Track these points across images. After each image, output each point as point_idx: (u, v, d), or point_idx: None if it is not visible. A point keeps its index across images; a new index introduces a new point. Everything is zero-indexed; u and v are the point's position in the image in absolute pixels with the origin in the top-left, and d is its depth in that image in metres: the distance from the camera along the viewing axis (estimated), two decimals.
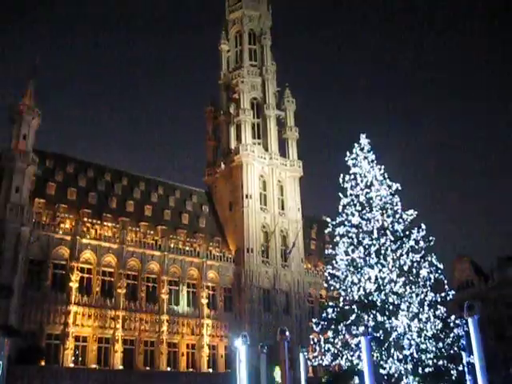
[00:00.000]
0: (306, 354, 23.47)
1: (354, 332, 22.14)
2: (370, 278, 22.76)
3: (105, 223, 49.16)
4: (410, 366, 21.04)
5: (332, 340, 23.10)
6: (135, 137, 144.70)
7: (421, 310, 22.20)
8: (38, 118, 47.76)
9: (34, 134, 47.52)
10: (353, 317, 22.42)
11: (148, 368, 46.66)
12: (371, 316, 22.06)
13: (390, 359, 21.23)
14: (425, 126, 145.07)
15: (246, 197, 56.81)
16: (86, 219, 48.21)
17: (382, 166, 25.28)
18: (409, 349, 21.39)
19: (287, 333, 18.55)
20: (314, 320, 24.34)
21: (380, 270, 22.79)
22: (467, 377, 20.79)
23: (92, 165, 55.67)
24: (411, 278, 22.84)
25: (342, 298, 23.58)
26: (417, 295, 22.40)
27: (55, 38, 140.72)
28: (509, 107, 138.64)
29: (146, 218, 53.32)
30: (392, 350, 21.39)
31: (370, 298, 22.55)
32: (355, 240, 23.71)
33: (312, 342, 24.32)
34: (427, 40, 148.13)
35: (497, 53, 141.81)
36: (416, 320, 22.00)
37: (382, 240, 23.34)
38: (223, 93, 65.00)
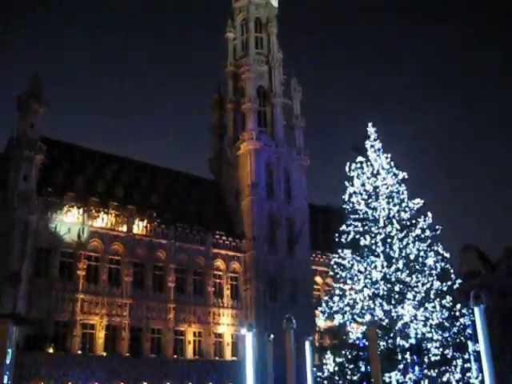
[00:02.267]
0: (312, 342, 23.50)
1: (360, 320, 22.18)
2: (376, 267, 22.75)
3: (112, 211, 49.30)
4: (415, 355, 21.06)
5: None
6: (142, 125, 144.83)
7: (427, 299, 22.17)
8: (45, 107, 47.86)
9: (40, 122, 47.66)
10: (359, 305, 22.44)
11: (155, 355, 46.99)
12: (377, 305, 22.07)
13: (396, 348, 21.26)
14: (433, 115, 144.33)
15: (253, 185, 56.72)
16: (93, 207, 48.31)
17: (389, 155, 25.18)
18: (415, 338, 21.41)
19: (293, 321, 18.58)
20: (320, 308, 24.34)
21: (386, 259, 22.77)
22: (473, 365, 20.81)
23: (99, 153, 55.69)
24: (417, 266, 22.78)
25: (348, 287, 23.56)
26: (423, 284, 22.38)
27: (55, 32, 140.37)
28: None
29: (153, 206, 53.41)
30: (398, 339, 21.42)
31: (376, 287, 22.54)
32: (361, 229, 23.66)
33: (318, 331, 24.44)
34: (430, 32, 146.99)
35: (497, 52, 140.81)
36: (422, 309, 21.99)
37: (388, 229, 23.29)
38: (230, 81, 64.74)
